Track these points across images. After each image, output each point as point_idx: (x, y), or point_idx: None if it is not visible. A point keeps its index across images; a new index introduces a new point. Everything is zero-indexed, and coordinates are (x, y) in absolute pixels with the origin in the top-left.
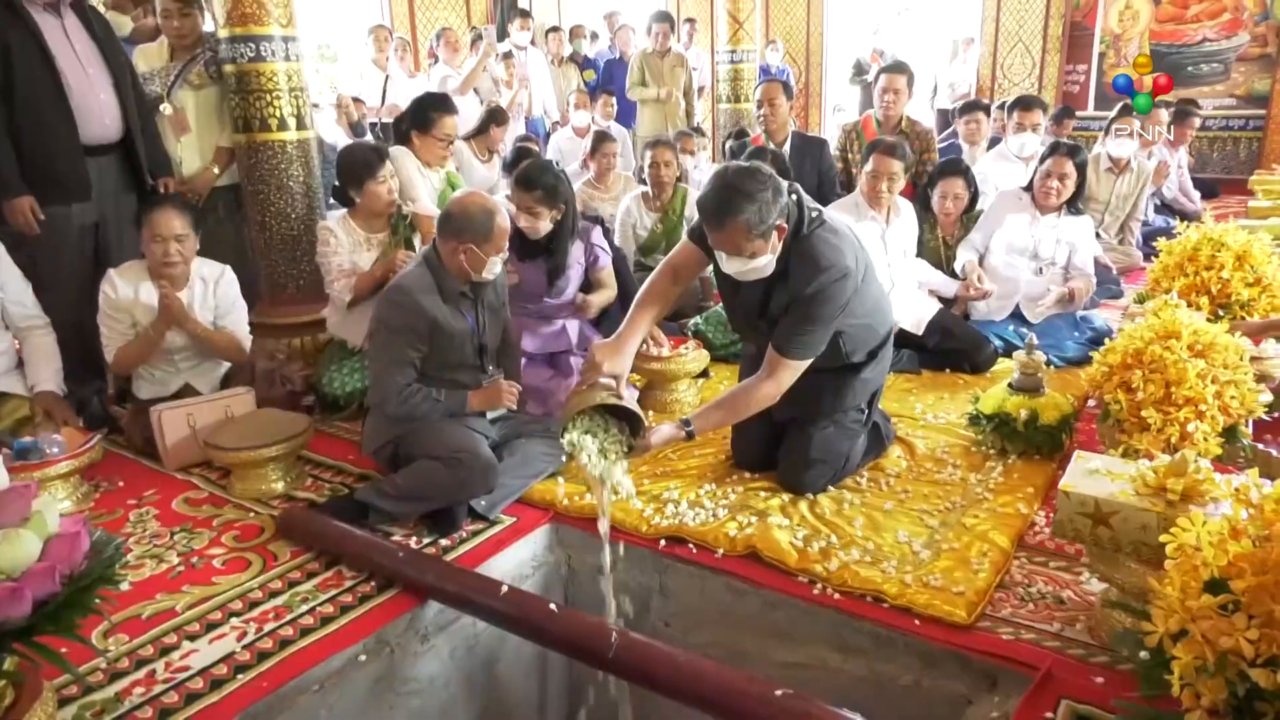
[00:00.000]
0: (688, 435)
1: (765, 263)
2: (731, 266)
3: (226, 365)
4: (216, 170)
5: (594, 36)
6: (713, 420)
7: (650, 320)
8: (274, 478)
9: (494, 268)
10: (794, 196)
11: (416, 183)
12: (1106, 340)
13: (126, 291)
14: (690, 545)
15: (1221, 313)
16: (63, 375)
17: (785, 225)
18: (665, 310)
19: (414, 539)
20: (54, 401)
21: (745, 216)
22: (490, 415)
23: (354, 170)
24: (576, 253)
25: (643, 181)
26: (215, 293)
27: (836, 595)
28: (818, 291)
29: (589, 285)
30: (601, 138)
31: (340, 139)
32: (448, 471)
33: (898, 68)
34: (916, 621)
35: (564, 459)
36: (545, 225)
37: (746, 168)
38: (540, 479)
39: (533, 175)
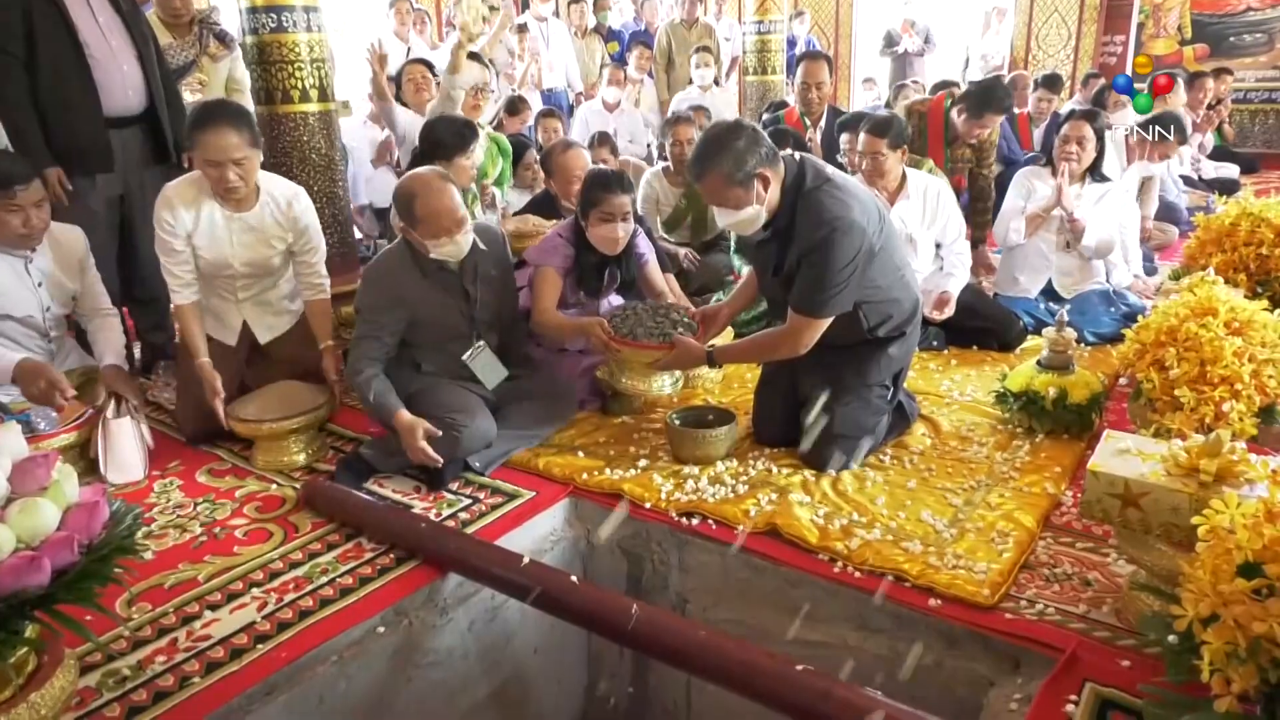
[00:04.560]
0: (709, 359)
1: (753, 213)
2: (723, 220)
3: (291, 313)
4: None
5: None
6: (734, 355)
7: (746, 299)
8: (295, 450)
9: (440, 250)
10: (795, 156)
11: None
12: (1140, 317)
13: (186, 217)
14: (710, 521)
15: (1260, 289)
16: (124, 354)
17: (769, 174)
18: (748, 306)
19: (434, 512)
20: (118, 376)
21: (720, 164)
22: (490, 385)
23: (445, 143)
24: None
25: (663, 158)
26: (291, 216)
27: (857, 574)
28: (821, 242)
29: (633, 282)
30: (599, 140)
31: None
32: (444, 431)
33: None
34: (938, 601)
35: (566, 420)
36: (631, 228)
37: (729, 122)
38: (540, 440)
39: (621, 177)
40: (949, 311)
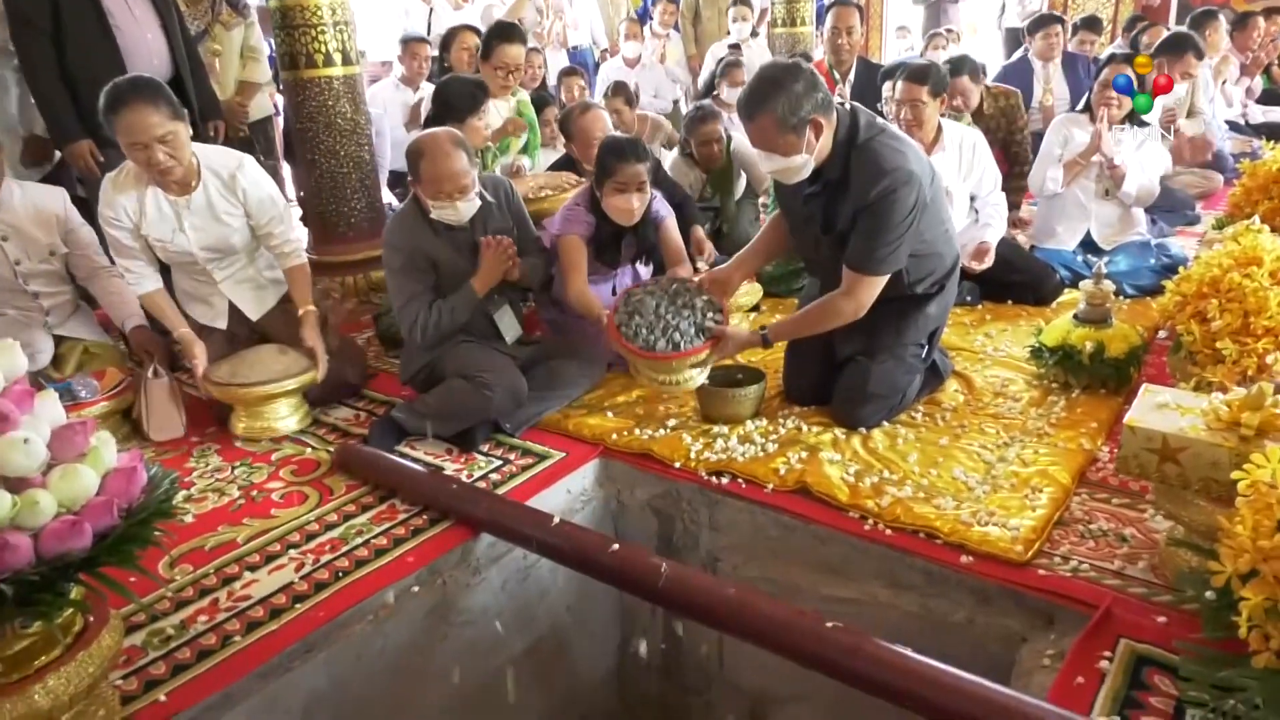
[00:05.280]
0: (764, 341)
1: (801, 162)
2: (768, 165)
3: (277, 283)
4: (240, 100)
5: None
6: (789, 330)
7: (758, 261)
8: (281, 415)
9: (439, 213)
10: (847, 105)
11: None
12: (1181, 269)
13: (129, 207)
14: (740, 480)
15: None
16: (142, 312)
17: (823, 122)
18: (771, 258)
19: (465, 474)
20: (149, 337)
21: (774, 106)
22: (511, 339)
23: (456, 105)
24: None
25: (689, 156)
26: (238, 190)
27: (888, 531)
28: (882, 196)
29: (654, 249)
30: (614, 90)
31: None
32: (475, 390)
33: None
34: (970, 558)
35: (594, 381)
36: (647, 197)
37: (785, 63)
38: (569, 401)
39: (636, 146)
40: (988, 262)
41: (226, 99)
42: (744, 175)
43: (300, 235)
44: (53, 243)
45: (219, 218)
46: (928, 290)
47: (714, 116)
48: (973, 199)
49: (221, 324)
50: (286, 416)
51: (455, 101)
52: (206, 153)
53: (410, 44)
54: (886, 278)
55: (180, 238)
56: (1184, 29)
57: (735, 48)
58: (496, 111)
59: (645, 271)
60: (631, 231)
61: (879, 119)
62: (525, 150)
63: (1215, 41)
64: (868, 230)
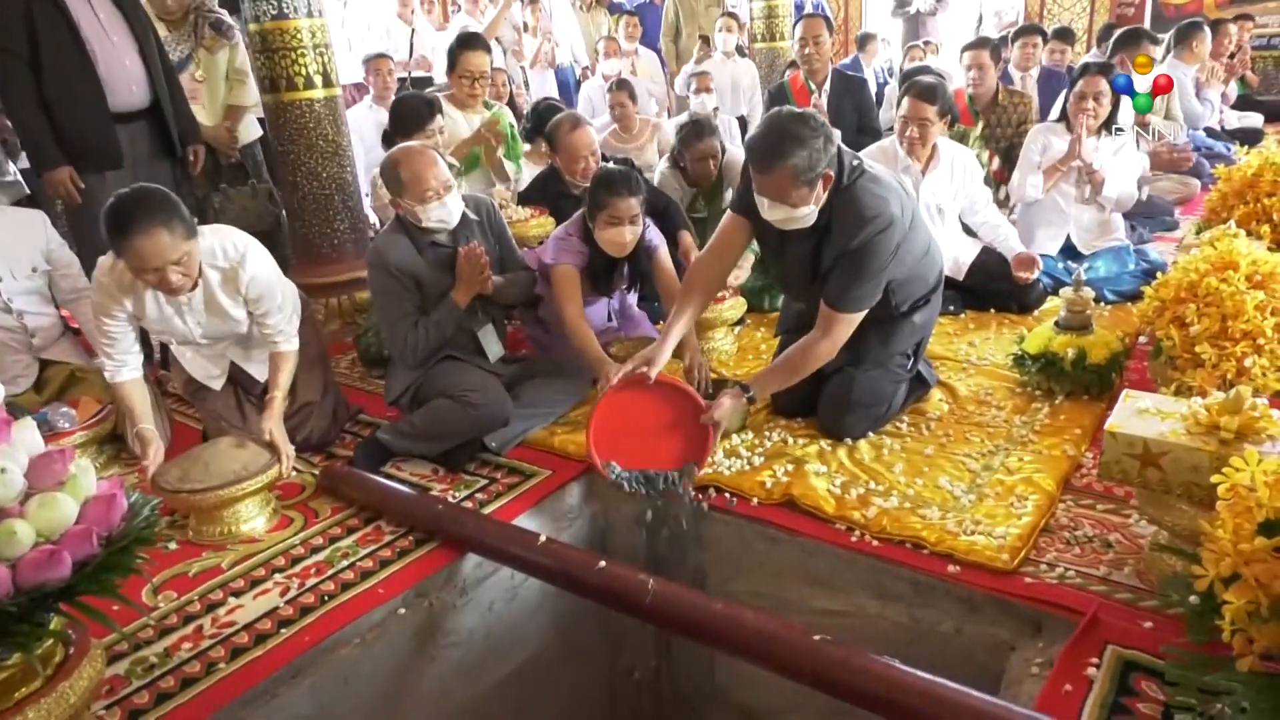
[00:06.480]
0: (750, 402)
1: (807, 213)
2: (773, 214)
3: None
4: (228, 125)
5: None
6: (774, 383)
7: (694, 313)
8: (247, 517)
9: (430, 215)
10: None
11: (455, 129)
12: (1160, 274)
13: (126, 303)
14: (727, 494)
15: None
16: None
17: (832, 174)
18: (712, 296)
19: (451, 494)
20: None
21: (794, 161)
22: (494, 357)
23: (406, 119)
24: None
25: (681, 169)
26: (241, 283)
27: (875, 542)
28: (864, 244)
29: (646, 278)
30: (618, 85)
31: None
32: (461, 410)
33: (980, 42)
34: (957, 568)
35: (579, 398)
36: (639, 230)
37: (799, 113)
38: (554, 419)
39: (629, 179)
40: (1038, 270)
41: (215, 124)
42: (731, 187)
43: (294, 326)
44: (35, 260)
45: (222, 312)
46: (914, 305)
47: (711, 132)
48: (962, 218)
49: (217, 385)
50: (253, 518)
51: (405, 115)
52: (208, 244)
53: (373, 61)
54: (863, 314)
55: (182, 328)
56: (1141, 26)
57: (699, 64)
58: (469, 125)
59: (634, 299)
60: (624, 261)
61: (856, 157)
62: (509, 156)
63: (1201, 52)
64: (847, 272)
